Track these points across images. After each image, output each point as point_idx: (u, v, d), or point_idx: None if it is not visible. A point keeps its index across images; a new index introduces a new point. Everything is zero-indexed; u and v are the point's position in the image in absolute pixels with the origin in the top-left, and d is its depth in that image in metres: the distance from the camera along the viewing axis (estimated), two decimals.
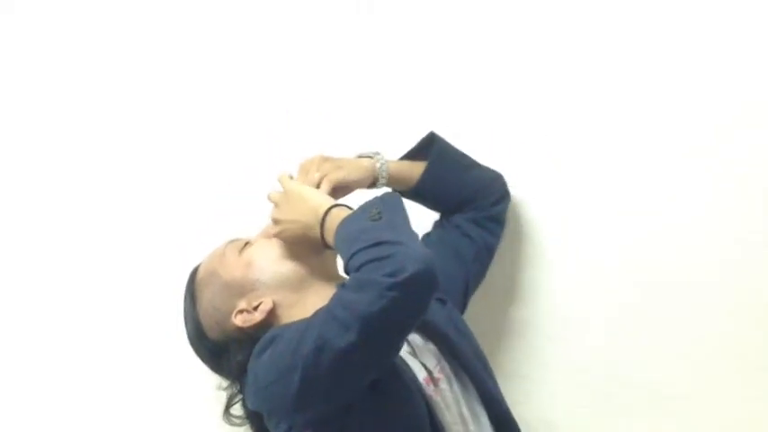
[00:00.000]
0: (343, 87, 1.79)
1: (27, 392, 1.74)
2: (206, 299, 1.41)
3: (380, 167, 1.50)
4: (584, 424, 1.77)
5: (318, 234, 1.30)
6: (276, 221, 1.39)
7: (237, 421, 1.44)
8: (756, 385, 1.74)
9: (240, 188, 1.77)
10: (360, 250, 1.16)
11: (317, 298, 1.35)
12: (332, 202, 1.32)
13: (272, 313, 1.37)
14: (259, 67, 1.79)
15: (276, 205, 1.40)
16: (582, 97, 1.79)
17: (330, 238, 1.27)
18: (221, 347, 1.39)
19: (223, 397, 1.45)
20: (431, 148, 1.58)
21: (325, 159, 1.44)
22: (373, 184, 1.50)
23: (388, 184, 1.52)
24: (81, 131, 1.78)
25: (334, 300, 1.18)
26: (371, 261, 1.14)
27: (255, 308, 1.37)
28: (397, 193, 1.36)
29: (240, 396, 1.41)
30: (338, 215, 1.27)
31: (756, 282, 1.75)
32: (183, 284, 1.46)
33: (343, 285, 1.18)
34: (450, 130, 1.79)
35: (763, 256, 1.73)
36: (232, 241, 1.44)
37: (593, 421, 1.77)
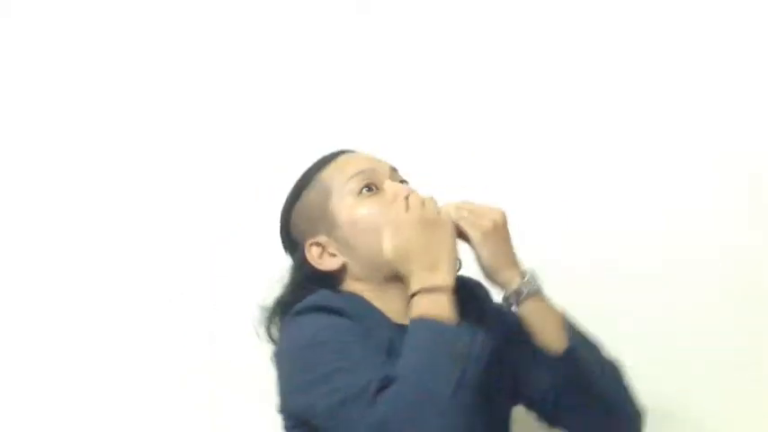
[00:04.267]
0: (341, 87, 1.78)
1: (25, 393, 1.74)
2: (308, 200, 1.38)
3: (525, 284, 1.33)
4: None
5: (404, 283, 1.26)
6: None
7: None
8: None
9: (235, 188, 1.76)
10: (409, 373, 1.15)
11: (379, 294, 1.34)
12: (448, 282, 1.24)
13: (336, 271, 1.36)
14: (256, 66, 1.78)
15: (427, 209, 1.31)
16: (579, 98, 1.80)
17: (409, 308, 1.23)
18: (292, 249, 1.40)
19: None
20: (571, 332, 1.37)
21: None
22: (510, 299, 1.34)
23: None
24: (77, 134, 1.77)
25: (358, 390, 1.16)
26: (397, 396, 1.13)
27: (329, 254, 1.36)
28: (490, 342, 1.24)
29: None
30: (436, 302, 1.22)
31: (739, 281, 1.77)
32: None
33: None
34: (449, 130, 1.81)
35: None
36: (391, 173, 1.38)
37: None
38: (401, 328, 1.27)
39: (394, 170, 1.39)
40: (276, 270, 1.40)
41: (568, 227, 1.75)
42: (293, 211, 1.40)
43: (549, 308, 1.35)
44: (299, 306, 1.31)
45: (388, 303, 1.34)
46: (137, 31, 1.76)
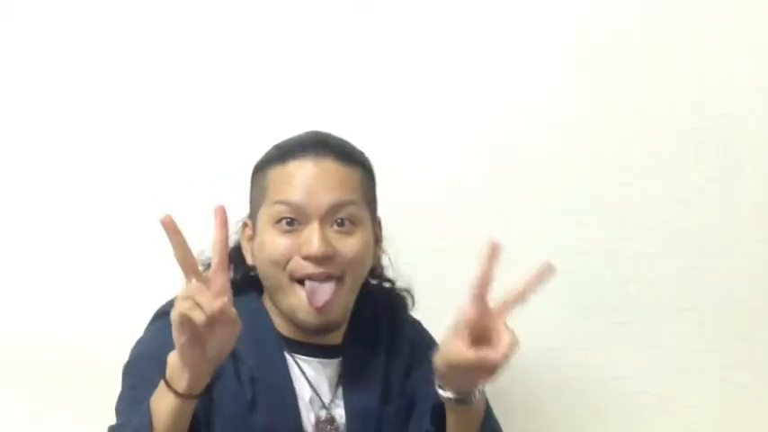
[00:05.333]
0: (341, 87, 1.79)
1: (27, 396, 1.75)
2: (254, 184, 1.39)
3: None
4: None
5: None
6: None
7: None
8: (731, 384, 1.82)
9: (235, 187, 1.76)
10: None
11: (271, 306, 1.38)
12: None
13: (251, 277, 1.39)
14: (256, 66, 1.78)
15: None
16: (575, 96, 1.82)
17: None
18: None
19: None
20: None
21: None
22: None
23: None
24: (77, 133, 1.77)
25: None
26: None
27: (252, 239, 1.37)
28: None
29: None
30: (168, 405, 1.17)
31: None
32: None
33: None
34: (448, 130, 1.81)
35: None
36: (329, 212, 1.33)
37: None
38: (288, 341, 1.35)
39: (336, 207, 1.33)
40: None
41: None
42: (254, 174, 1.41)
43: (476, 414, 1.29)
44: (159, 307, 1.37)
45: (277, 316, 1.38)
46: (137, 30, 1.76)
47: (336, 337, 1.41)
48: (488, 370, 1.16)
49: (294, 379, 1.36)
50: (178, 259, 1.12)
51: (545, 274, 1.18)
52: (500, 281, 1.73)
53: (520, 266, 1.75)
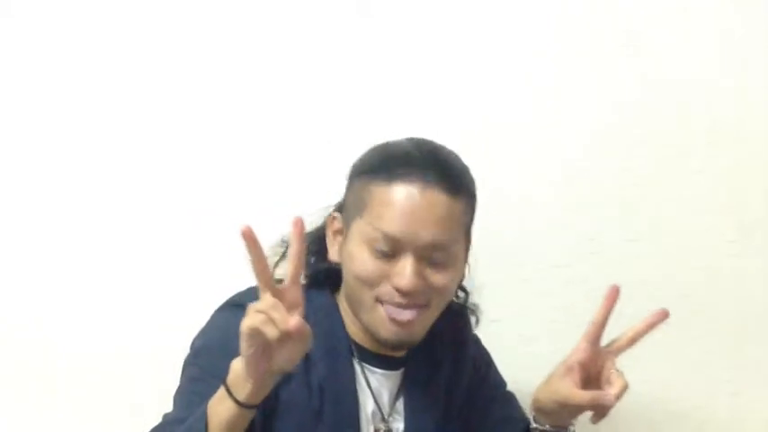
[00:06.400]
0: (342, 90, 1.79)
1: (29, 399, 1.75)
2: (355, 187, 1.31)
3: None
4: None
5: None
6: None
7: None
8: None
9: (234, 189, 1.76)
10: None
11: (348, 311, 1.34)
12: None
13: (336, 270, 1.33)
14: (257, 69, 1.79)
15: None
16: (575, 97, 1.81)
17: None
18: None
19: None
20: None
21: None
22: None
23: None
24: (78, 133, 1.77)
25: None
26: None
27: (339, 241, 1.32)
28: None
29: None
30: (227, 409, 1.14)
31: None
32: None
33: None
34: (449, 133, 1.79)
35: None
36: (424, 249, 1.27)
37: None
38: (358, 348, 1.33)
39: (435, 246, 1.26)
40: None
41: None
42: (354, 177, 1.33)
43: None
44: (229, 298, 1.32)
45: (349, 318, 1.34)
46: (137, 31, 1.77)
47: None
48: (600, 411, 1.20)
49: (359, 390, 1.34)
50: (255, 271, 1.10)
51: (658, 319, 1.23)
52: (509, 281, 1.76)
53: (527, 267, 1.77)
